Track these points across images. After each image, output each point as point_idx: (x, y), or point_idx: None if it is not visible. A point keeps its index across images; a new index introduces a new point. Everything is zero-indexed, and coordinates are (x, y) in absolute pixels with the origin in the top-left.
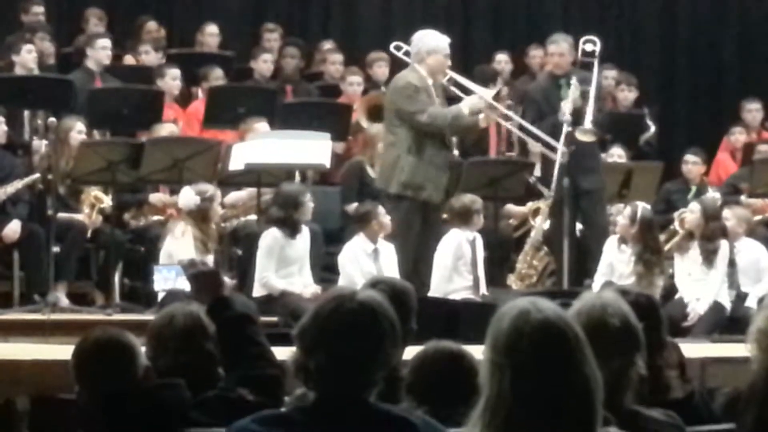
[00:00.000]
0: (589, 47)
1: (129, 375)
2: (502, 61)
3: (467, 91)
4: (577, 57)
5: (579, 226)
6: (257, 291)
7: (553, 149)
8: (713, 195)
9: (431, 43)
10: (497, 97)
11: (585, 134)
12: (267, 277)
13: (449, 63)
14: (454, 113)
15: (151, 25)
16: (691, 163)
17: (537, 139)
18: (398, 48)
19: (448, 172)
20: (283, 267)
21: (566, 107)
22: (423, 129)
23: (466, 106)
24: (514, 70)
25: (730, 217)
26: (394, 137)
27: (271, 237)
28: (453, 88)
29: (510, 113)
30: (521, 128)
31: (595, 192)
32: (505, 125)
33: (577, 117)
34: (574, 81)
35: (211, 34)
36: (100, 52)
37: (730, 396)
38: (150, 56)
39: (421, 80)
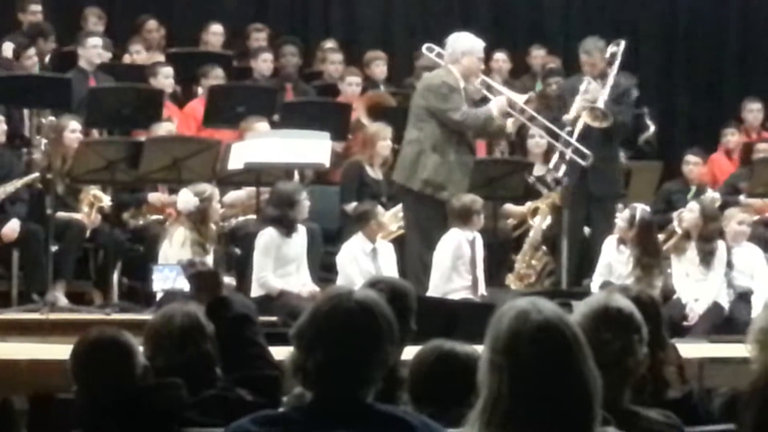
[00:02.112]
0: (612, 49)
1: (127, 374)
2: (500, 59)
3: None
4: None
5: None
6: (255, 291)
7: (583, 156)
8: (712, 195)
9: (466, 44)
10: (528, 102)
11: (594, 115)
12: (265, 276)
13: (483, 66)
14: (487, 115)
15: (151, 24)
16: (692, 164)
17: (566, 144)
18: (430, 49)
19: (469, 176)
20: (281, 266)
21: (576, 106)
22: (454, 126)
23: (494, 107)
24: (516, 70)
25: (732, 217)
26: (419, 133)
27: (267, 236)
28: (485, 92)
29: (539, 117)
30: (548, 131)
31: (607, 200)
32: (534, 128)
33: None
34: (587, 78)
35: (214, 33)
36: (91, 50)
37: (729, 396)
38: (148, 55)
39: (455, 81)
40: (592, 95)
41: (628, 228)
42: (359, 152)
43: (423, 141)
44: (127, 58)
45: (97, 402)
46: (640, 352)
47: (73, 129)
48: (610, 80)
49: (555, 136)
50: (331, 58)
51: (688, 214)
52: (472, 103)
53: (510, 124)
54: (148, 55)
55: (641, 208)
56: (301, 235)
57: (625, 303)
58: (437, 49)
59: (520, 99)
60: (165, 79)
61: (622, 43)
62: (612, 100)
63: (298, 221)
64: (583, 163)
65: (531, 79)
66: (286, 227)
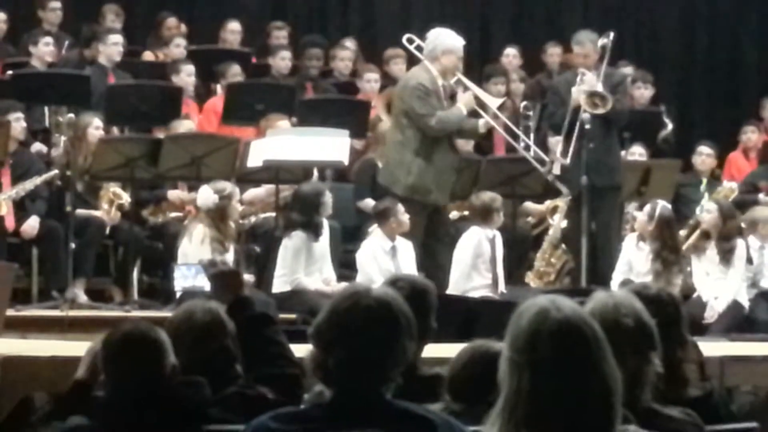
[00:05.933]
0: (602, 41)
1: (157, 371)
2: (511, 54)
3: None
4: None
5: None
6: (276, 287)
7: (542, 162)
8: (730, 186)
9: (447, 42)
10: (502, 107)
11: (592, 102)
12: (298, 279)
13: (461, 65)
14: (459, 117)
15: (172, 21)
16: (705, 155)
17: (527, 148)
18: (410, 41)
19: (455, 175)
20: (307, 266)
21: (574, 96)
22: (430, 133)
23: (462, 104)
24: (532, 67)
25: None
26: (403, 137)
27: (298, 239)
28: (459, 91)
29: (510, 124)
30: (514, 136)
31: (607, 190)
32: (501, 133)
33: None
34: (581, 70)
35: (232, 31)
36: (112, 47)
37: (755, 396)
38: (170, 52)
39: (432, 81)
40: (589, 84)
41: (647, 222)
42: (373, 150)
43: (406, 144)
44: (148, 55)
45: (123, 396)
46: (656, 360)
47: (97, 126)
48: (602, 71)
49: (515, 138)
50: (341, 55)
51: (707, 215)
52: (449, 98)
53: (482, 125)
54: (168, 53)
55: (662, 204)
56: (324, 233)
57: (633, 315)
58: (417, 41)
59: (494, 103)
60: (187, 76)
61: (611, 35)
62: (608, 91)
63: (324, 221)
64: (541, 169)
65: (547, 77)
66: (314, 232)
